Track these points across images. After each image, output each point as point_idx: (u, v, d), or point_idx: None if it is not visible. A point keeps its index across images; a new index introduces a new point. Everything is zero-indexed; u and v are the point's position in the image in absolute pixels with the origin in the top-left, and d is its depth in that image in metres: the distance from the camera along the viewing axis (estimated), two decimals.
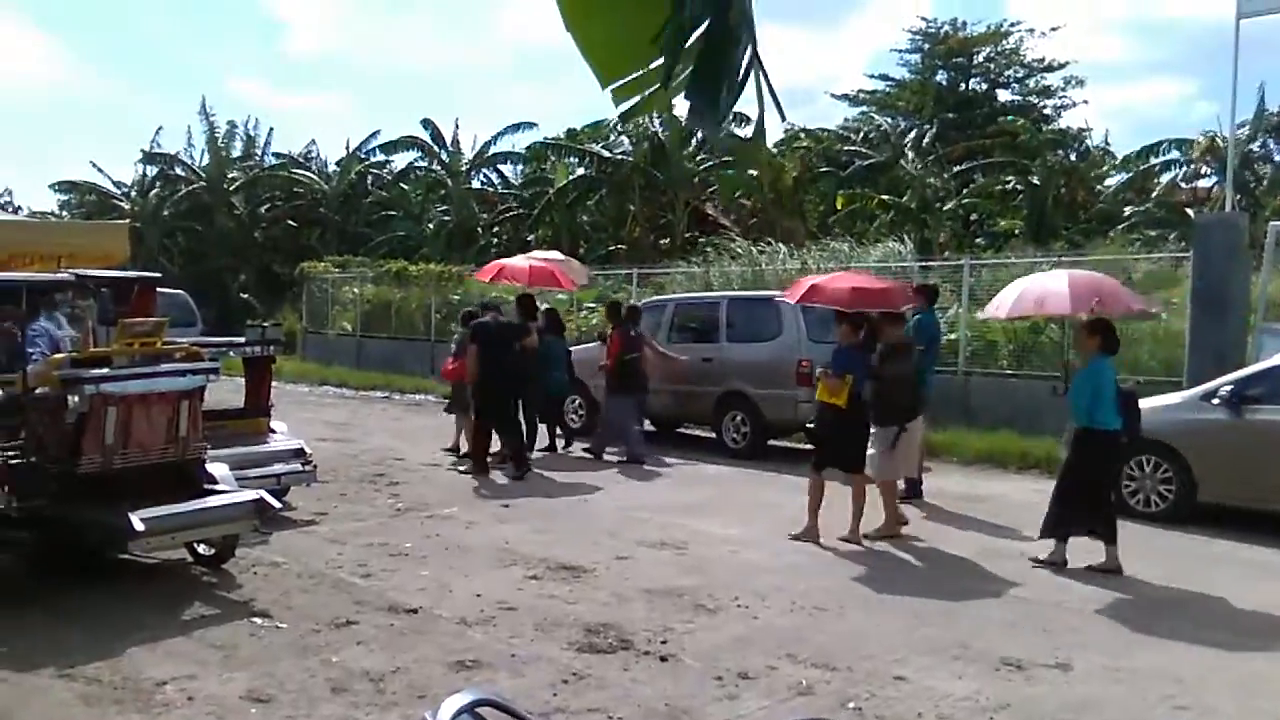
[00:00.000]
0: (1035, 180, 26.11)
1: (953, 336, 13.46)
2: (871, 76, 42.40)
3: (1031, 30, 33.63)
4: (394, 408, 17.75)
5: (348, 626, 5.68)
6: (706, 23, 1.56)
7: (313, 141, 48.52)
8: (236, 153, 37.35)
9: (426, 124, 33.54)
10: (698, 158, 27.32)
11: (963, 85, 34.44)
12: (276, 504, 6.84)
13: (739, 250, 19.82)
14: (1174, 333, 12.36)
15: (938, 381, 11.11)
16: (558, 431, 12.68)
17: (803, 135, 31.96)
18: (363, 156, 35.57)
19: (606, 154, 28.97)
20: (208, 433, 7.02)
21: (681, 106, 1.72)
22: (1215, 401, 8.69)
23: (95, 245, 9.68)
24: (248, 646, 5.36)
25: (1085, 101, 35.18)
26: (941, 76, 34.43)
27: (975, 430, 12.32)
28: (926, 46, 34.30)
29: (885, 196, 26.14)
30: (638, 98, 1.73)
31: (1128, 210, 25.58)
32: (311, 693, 4.74)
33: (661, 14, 1.54)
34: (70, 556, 6.58)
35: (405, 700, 4.66)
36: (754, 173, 25.75)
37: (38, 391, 6.38)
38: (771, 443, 12.30)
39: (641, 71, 1.67)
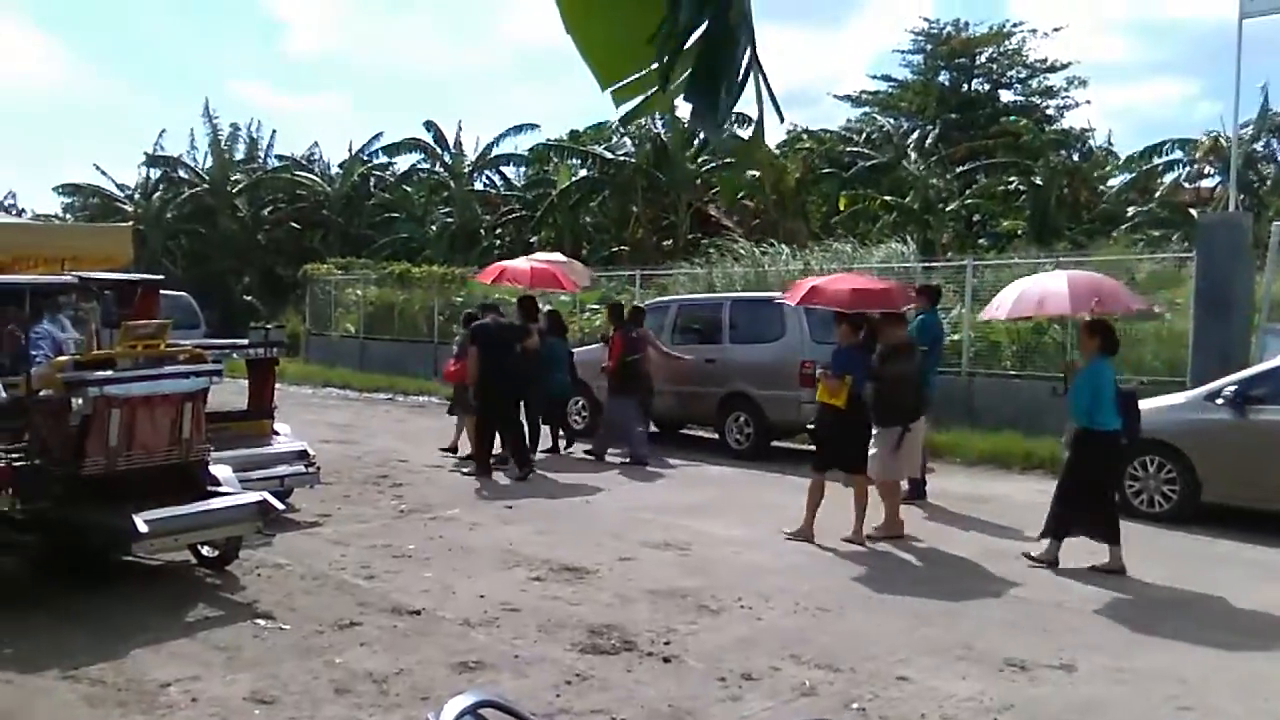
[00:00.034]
0: (1038, 181, 26.08)
1: (956, 337, 13.45)
2: (874, 77, 42.43)
3: (1034, 31, 33.58)
4: (397, 409, 17.76)
5: (351, 628, 5.69)
6: (705, 24, 1.56)
7: (315, 144, 48.76)
8: (239, 155, 37.38)
9: (429, 126, 33.62)
10: (700, 159, 27.32)
11: (965, 86, 34.40)
12: (280, 506, 6.85)
13: (742, 251, 19.82)
14: (1178, 333, 12.35)
15: (941, 382, 11.10)
16: (560, 433, 12.68)
17: (805, 136, 31.96)
18: (365, 158, 35.63)
19: (609, 155, 28.99)
20: (211, 435, 7.02)
21: (684, 107, 1.73)
22: (1219, 402, 8.68)
23: (99, 248, 9.69)
24: (251, 648, 5.37)
25: (1088, 102, 35.19)
26: (944, 77, 34.39)
27: (979, 431, 12.31)
28: (929, 47, 34.27)
29: (888, 197, 26.13)
30: (638, 99, 1.73)
31: (1131, 210, 25.54)
32: (315, 694, 4.75)
33: (661, 15, 1.54)
34: (74, 558, 6.59)
35: (408, 701, 4.66)
36: (756, 173, 25.75)
37: (41, 394, 6.40)
38: (774, 444, 12.30)
39: (641, 73, 1.67)
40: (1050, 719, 4.68)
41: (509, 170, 35.10)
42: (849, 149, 29.69)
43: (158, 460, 6.47)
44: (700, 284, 17.99)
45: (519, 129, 32.83)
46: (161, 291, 9.27)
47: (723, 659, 5.25)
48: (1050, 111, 33.56)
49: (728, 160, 25.01)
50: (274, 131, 44.99)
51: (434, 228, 32.72)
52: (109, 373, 6.30)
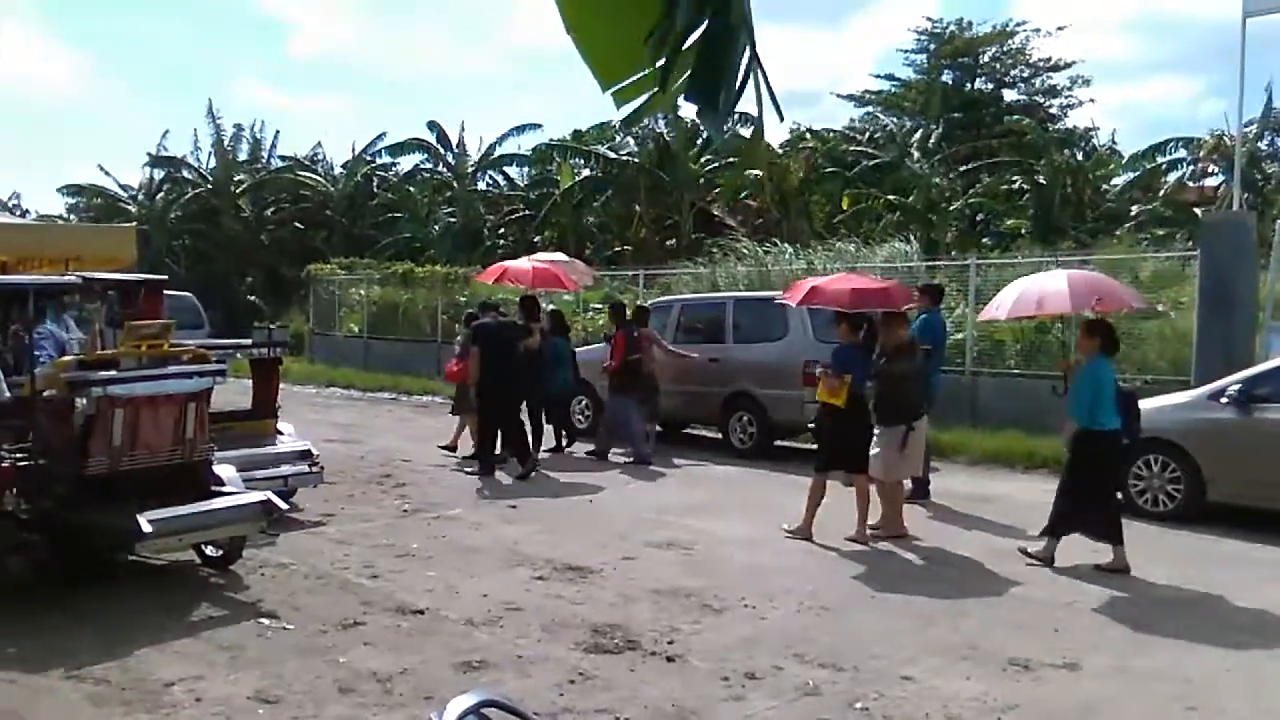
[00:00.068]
0: (1041, 180, 26.05)
1: (959, 336, 13.44)
2: (877, 77, 42.43)
3: (1037, 30, 33.53)
4: (401, 409, 17.77)
5: (355, 627, 5.69)
6: (705, 24, 1.56)
7: (319, 144, 48.86)
8: (243, 155, 37.40)
9: (432, 126, 33.64)
10: (703, 159, 27.31)
11: (969, 85, 34.37)
12: (283, 505, 6.86)
13: (745, 251, 19.81)
14: (1181, 332, 12.33)
15: (944, 381, 11.08)
16: (563, 432, 12.68)
17: (808, 136, 31.92)
18: (368, 159, 35.64)
19: (612, 155, 28.98)
20: (215, 434, 7.03)
21: (689, 108, 1.72)
22: (1224, 401, 8.66)
23: (102, 248, 9.72)
24: (255, 647, 5.37)
25: (1091, 100, 35.22)
26: (947, 76, 34.34)
27: (982, 430, 12.29)
28: (932, 46, 34.23)
29: (891, 196, 26.10)
30: (639, 100, 1.72)
31: (1134, 209, 25.50)
32: (319, 693, 4.75)
33: (661, 16, 1.54)
34: (78, 558, 6.59)
35: (412, 701, 4.66)
36: (758, 172, 25.74)
37: (45, 394, 6.41)
38: (778, 443, 12.30)
39: (642, 74, 1.66)
40: (1054, 718, 4.68)
41: (512, 170, 35.15)
42: (852, 148, 29.67)
43: (161, 460, 6.48)
44: (703, 283, 17.99)
45: (522, 129, 32.88)
46: (165, 291, 9.27)
47: (726, 658, 5.25)
48: (1054, 110, 33.56)
49: (730, 160, 25.06)
50: (277, 132, 45.00)
51: (437, 228, 32.72)
52: (113, 373, 6.30)
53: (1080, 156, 28.93)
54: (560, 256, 15.55)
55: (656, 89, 1.66)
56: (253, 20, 73.50)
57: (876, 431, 8.05)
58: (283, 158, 37.78)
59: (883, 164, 27.53)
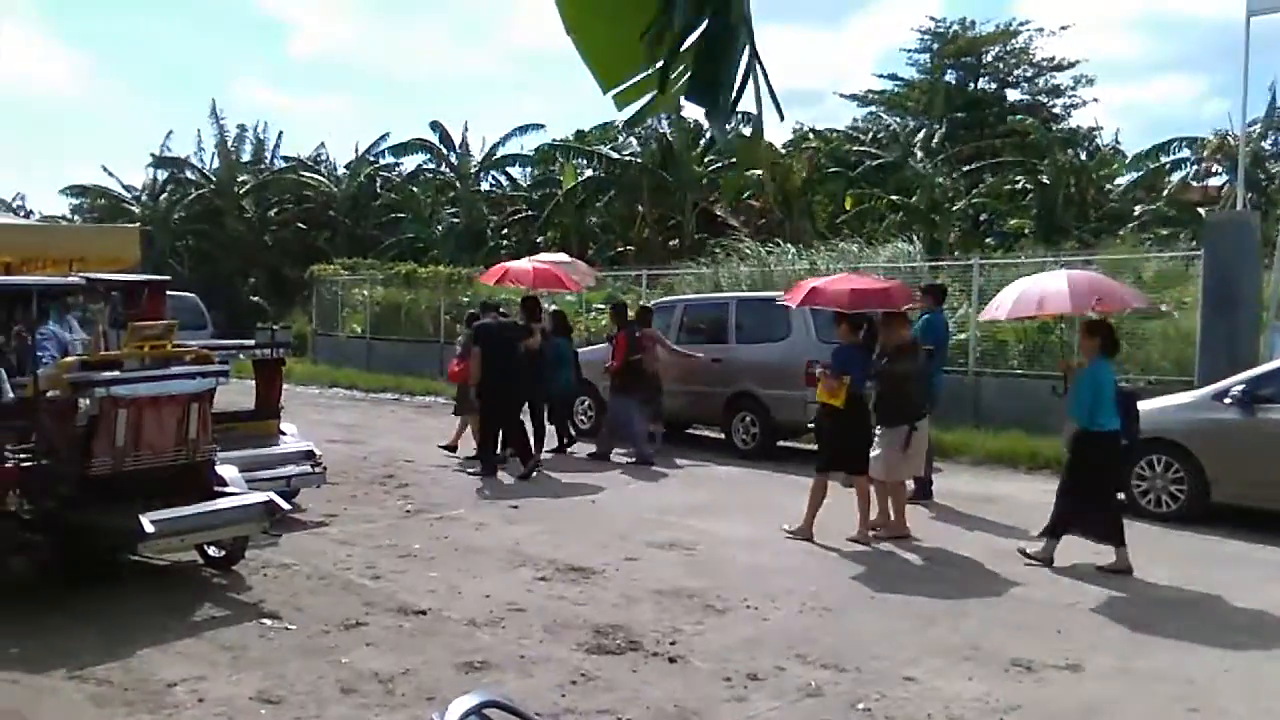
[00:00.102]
0: (1045, 179, 26.03)
1: (962, 336, 13.43)
2: (880, 76, 42.42)
3: (1041, 29, 33.44)
4: (404, 410, 17.78)
5: (357, 628, 5.70)
6: (705, 23, 1.56)
7: (322, 144, 48.72)
8: (246, 156, 37.44)
9: (435, 126, 33.66)
10: (706, 159, 27.31)
11: (972, 85, 34.33)
12: (286, 506, 6.87)
13: (748, 251, 19.81)
14: (1185, 332, 12.31)
15: (947, 382, 11.08)
16: (570, 432, 12.68)
17: (811, 135, 31.91)
18: (371, 159, 35.65)
19: (615, 155, 28.99)
20: (217, 435, 7.04)
21: (693, 108, 1.72)
22: (1227, 401, 8.64)
23: (106, 249, 9.72)
24: (257, 648, 5.38)
25: (1095, 100, 35.13)
26: (950, 76, 34.29)
27: (985, 430, 12.28)
28: (935, 46, 34.18)
29: (894, 197, 26.08)
30: (641, 102, 1.72)
31: (1138, 209, 25.48)
32: (321, 694, 4.76)
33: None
34: (81, 558, 6.60)
35: (414, 701, 4.66)
36: (760, 172, 25.72)
37: (49, 394, 6.42)
38: (780, 443, 12.29)
39: (642, 76, 1.66)
40: (1056, 719, 4.67)
41: (515, 171, 35.14)
42: (855, 148, 29.65)
43: (164, 460, 6.49)
44: (706, 284, 17.99)
45: (525, 129, 32.88)
46: (168, 292, 9.28)
47: (728, 659, 5.25)
48: (1057, 110, 33.50)
49: (732, 160, 25.05)
50: (280, 133, 44.88)
51: (440, 228, 32.73)
52: (116, 373, 6.31)
53: (1084, 156, 28.91)
54: (562, 257, 15.57)
55: (657, 90, 1.65)
56: (253, 20, 73.64)
57: (878, 432, 8.05)
58: (286, 158, 37.82)
59: (886, 164, 27.51)
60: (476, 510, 9.11)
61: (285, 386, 9.47)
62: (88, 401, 6.16)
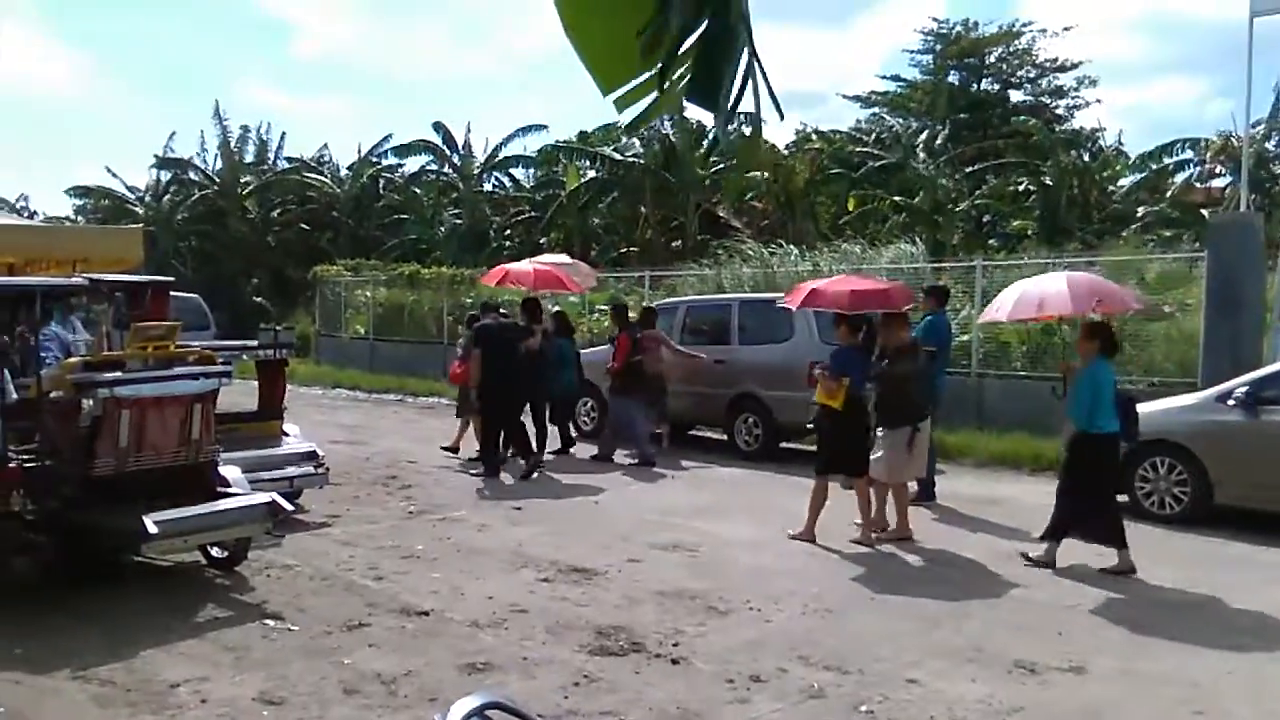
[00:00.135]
0: (1048, 181, 26.00)
1: (965, 338, 13.41)
2: (883, 77, 42.34)
3: (1044, 30, 33.43)
4: (407, 410, 17.79)
5: (359, 629, 5.70)
6: (705, 24, 1.56)
7: (325, 145, 48.69)
8: (249, 157, 37.48)
9: (438, 127, 33.68)
10: (709, 160, 27.30)
11: (975, 86, 34.32)
12: (289, 506, 6.87)
13: (750, 252, 19.79)
14: (1188, 333, 12.29)
15: (950, 383, 11.06)
16: (572, 433, 12.68)
17: (814, 137, 31.91)
18: (374, 160, 35.67)
19: (618, 157, 28.99)
20: (220, 436, 7.04)
21: (696, 109, 1.71)
22: (1231, 403, 8.63)
23: (109, 250, 9.72)
24: (260, 648, 5.38)
25: (1098, 101, 35.01)
26: (953, 77, 34.29)
27: (988, 432, 12.27)
28: (938, 47, 34.18)
29: (897, 198, 26.07)
30: (642, 105, 1.71)
31: (1141, 210, 25.43)
32: (323, 694, 4.76)
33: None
34: (84, 559, 6.61)
35: (417, 702, 4.66)
36: (765, 174, 25.70)
37: (52, 395, 6.42)
38: (783, 445, 12.28)
39: (642, 80, 1.65)
40: None
41: (518, 172, 35.16)
42: (858, 149, 29.63)
43: (167, 461, 6.50)
44: (709, 285, 17.97)
45: (527, 130, 32.91)
46: (171, 293, 9.29)
47: (731, 661, 5.24)
48: (1060, 111, 33.47)
49: (733, 161, 25.02)
50: (283, 134, 45.18)
51: (443, 229, 32.75)
52: (119, 374, 6.32)
53: (1087, 158, 28.87)
54: (563, 259, 15.55)
55: (657, 92, 1.65)
56: (256, 20, 73.74)
57: (879, 434, 8.02)
58: (289, 159, 37.87)
59: (888, 165, 27.49)
60: (479, 511, 9.11)
61: (288, 387, 9.48)
62: (91, 402, 6.17)
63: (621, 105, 1.72)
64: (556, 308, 14.10)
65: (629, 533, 8.19)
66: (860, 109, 35.95)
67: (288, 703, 4.66)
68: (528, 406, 11.31)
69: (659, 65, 1.57)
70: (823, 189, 29.05)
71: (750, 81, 1.59)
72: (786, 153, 30.42)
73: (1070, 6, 59.41)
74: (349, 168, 36.97)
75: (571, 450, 12.41)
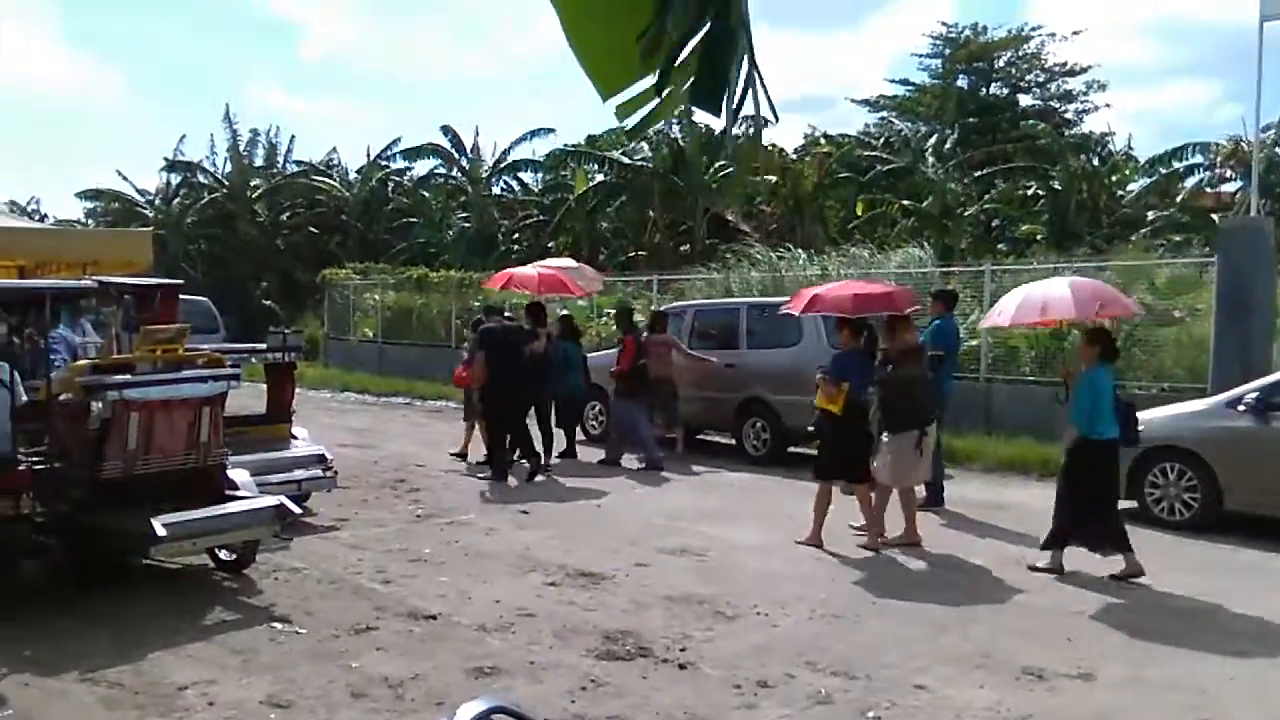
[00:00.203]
0: (1057, 185, 25.94)
1: (974, 343, 13.37)
2: (892, 81, 42.30)
3: (1053, 34, 33.34)
4: (415, 414, 17.81)
5: (367, 632, 5.71)
6: (706, 28, 1.55)
7: (334, 149, 48.85)
8: (258, 160, 37.63)
9: (446, 130, 33.75)
10: (717, 163, 27.30)
11: (984, 90, 34.26)
12: (297, 510, 6.87)
13: (759, 256, 19.78)
14: (1198, 338, 12.25)
15: (959, 388, 11.03)
16: (578, 437, 12.69)
17: (822, 140, 31.88)
18: (383, 163, 35.78)
19: (626, 160, 29.00)
20: (229, 438, 7.06)
21: (703, 114, 1.71)
22: (1241, 409, 8.59)
23: (119, 252, 9.77)
24: (268, 652, 5.39)
25: (1107, 105, 34.78)
26: (962, 81, 34.24)
27: (997, 437, 12.24)
28: (947, 51, 34.13)
29: (906, 202, 26.03)
30: (642, 112, 1.71)
31: (1151, 215, 25.37)
32: (331, 698, 4.76)
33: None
34: (92, 561, 6.63)
35: (424, 706, 4.67)
36: (771, 177, 25.67)
37: (61, 398, 6.45)
38: (792, 449, 12.25)
39: (643, 87, 1.65)
40: None
41: (526, 175, 35.21)
42: (866, 153, 29.61)
43: (176, 464, 6.51)
44: (717, 289, 17.96)
45: (536, 134, 32.94)
46: (180, 296, 9.34)
47: (738, 666, 5.23)
48: (1069, 115, 33.38)
49: (732, 166, 25.02)
50: (293, 137, 45.28)
51: (451, 233, 32.81)
52: (128, 377, 6.34)
53: (1096, 162, 28.79)
54: (569, 262, 15.53)
55: (657, 100, 1.64)
56: (265, 23, 74.00)
57: (885, 439, 7.97)
58: (298, 163, 37.98)
59: (897, 169, 27.46)
60: (487, 515, 9.11)
61: (297, 390, 9.50)
62: (100, 405, 6.19)
63: (622, 113, 1.71)
64: (564, 311, 14.10)
65: (637, 537, 8.18)
66: (869, 113, 35.96)
67: (295, 706, 4.66)
68: (532, 410, 11.31)
69: (659, 71, 1.57)
70: (831, 193, 29.02)
71: (751, 85, 1.59)
72: (795, 156, 30.42)
73: (1079, 10, 59.38)
74: (358, 171, 37.12)
75: (563, 454, 12.38)
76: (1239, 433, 8.54)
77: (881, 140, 31.41)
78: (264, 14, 73.58)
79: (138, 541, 6.10)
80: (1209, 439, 8.67)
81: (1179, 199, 25.65)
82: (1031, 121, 30.01)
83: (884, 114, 35.14)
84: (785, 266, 18.53)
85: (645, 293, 18.99)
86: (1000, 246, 25.27)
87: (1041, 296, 8.04)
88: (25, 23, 71.84)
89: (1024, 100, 34.24)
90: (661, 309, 13.93)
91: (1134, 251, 18.90)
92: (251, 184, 36.25)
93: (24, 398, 6.48)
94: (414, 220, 34.50)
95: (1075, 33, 35.70)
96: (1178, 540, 8.33)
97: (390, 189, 36.36)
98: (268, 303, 32.89)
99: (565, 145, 32.06)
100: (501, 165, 34.03)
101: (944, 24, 35.50)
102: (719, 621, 6.02)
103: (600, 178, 29.19)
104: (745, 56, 1.57)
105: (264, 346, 9.37)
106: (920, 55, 35.08)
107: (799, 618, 6.16)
